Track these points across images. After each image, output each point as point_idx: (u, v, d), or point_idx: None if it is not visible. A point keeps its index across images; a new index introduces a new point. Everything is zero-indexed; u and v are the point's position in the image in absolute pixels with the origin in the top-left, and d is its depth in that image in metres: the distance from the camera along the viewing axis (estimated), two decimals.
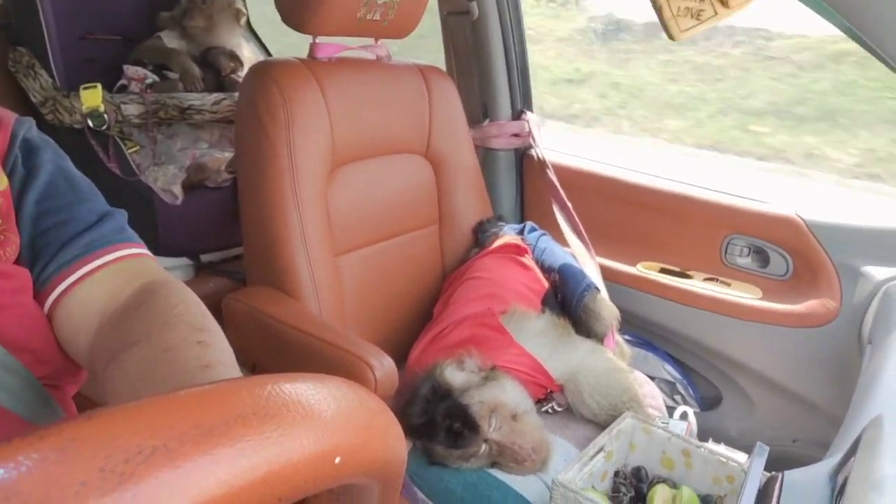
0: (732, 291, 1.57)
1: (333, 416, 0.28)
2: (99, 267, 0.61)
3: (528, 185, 1.92)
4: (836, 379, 1.46)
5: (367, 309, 1.38)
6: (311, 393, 0.28)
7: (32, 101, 1.56)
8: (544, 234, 1.58)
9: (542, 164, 1.79)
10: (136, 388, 0.49)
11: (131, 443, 0.22)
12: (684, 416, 1.29)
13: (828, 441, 1.07)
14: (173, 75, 1.66)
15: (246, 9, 1.86)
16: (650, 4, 0.92)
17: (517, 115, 1.88)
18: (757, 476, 0.82)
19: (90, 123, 1.48)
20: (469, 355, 1.15)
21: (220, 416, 0.24)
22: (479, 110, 1.88)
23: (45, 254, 0.60)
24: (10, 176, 0.61)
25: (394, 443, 0.33)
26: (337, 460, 0.27)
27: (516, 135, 1.87)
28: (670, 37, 0.93)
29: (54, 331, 0.61)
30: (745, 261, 1.59)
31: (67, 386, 0.66)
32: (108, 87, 1.54)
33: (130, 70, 1.62)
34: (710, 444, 1.13)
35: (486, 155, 1.87)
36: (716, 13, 0.91)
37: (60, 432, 0.22)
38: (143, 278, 0.62)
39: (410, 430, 1.07)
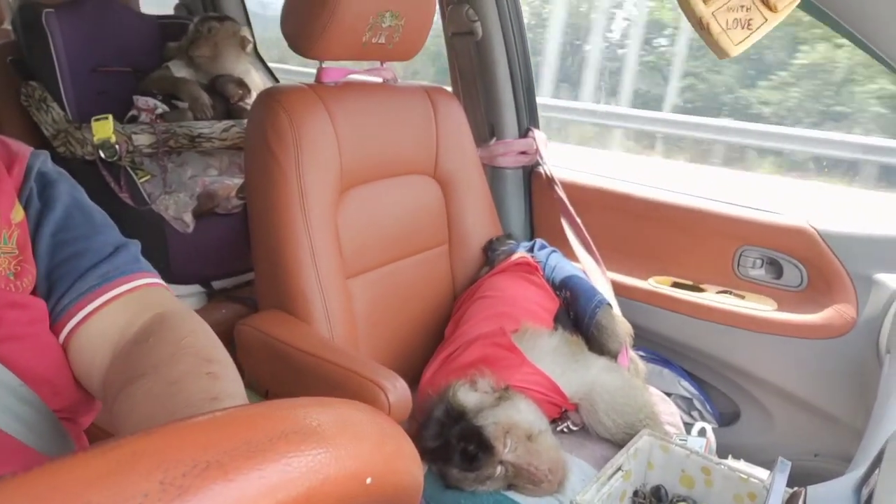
0: (747, 304, 1.55)
1: (363, 439, 0.30)
2: (113, 298, 0.62)
3: (537, 202, 1.92)
4: (855, 390, 1.43)
5: (379, 331, 1.38)
6: (341, 415, 0.30)
7: (45, 135, 1.59)
8: (554, 251, 1.57)
9: (550, 181, 1.79)
10: (142, 421, 0.49)
11: (187, 457, 0.24)
12: (702, 432, 1.27)
13: (850, 454, 1.05)
14: (182, 104, 1.69)
15: (252, 37, 1.88)
16: (692, 25, 0.87)
17: (524, 133, 1.89)
18: (780, 492, 0.80)
19: (102, 155, 1.50)
20: (482, 375, 1.14)
21: (266, 434, 0.26)
22: (485, 129, 1.89)
23: (60, 285, 0.61)
24: (25, 208, 0.62)
25: (411, 468, 0.34)
26: (368, 480, 0.29)
27: (524, 152, 1.87)
28: (722, 54, 0.87)
29: (69, 362, 0.61)
30: (759, 272, 1.58)
31: (82, 419, 0.66)
32: (118, 119, 1.56)
33: (140, 101, 1.65)
34: (730, 461, 1.11)
35: (494, 174, 1.87)
36: (765, 19, 0.86)
37: (122, 446, 0.24)
38: (155, 309, 0.62)
39: (425, 454, 1.06)
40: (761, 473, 1.05)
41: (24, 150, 0.66)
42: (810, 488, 0.79)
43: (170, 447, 0.24)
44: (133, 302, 0.62)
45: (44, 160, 0.67)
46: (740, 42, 0.87)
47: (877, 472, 0.71)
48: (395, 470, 0.32)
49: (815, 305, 1.49)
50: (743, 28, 0.86)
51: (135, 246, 0.67)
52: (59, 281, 0.61)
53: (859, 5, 1.00)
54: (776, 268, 1.56)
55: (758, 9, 0.86)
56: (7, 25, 2.46)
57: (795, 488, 0.82)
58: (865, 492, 0.72)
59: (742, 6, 0.85)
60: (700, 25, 0.86)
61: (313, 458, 0.26)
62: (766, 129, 4.78)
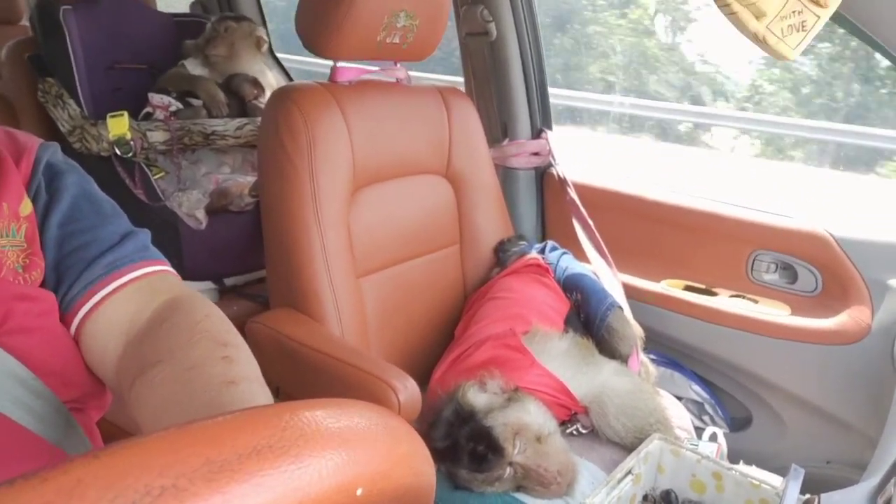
0: (760, 308, 1.54)
1: (355, 445, 0.27)
2: (122, 286, 0.61)
3: (549, 203, 1.91)
4: (870, 397, 1.42)
5: (390, 330, 1.38)
6: (331, 421, 0.27)
7: (61, 131, 1.60)
8: (566, 253, 1.56)
9: (562, 182, 1.79)
10: (160, 407, 0.49)
11: (139, 482, 0.21)
12: (714, 437, 1.26)
13: (863, 462, 1.04)
14: (197, 102, 1.69)
15: (268, 36, 1.89)
16: (748, 39, 0.88)
17: (537, 134, 1.88)
18: (793, 500, 0.80)
19: (117, 151, 1.51)
20: (491, 376, 1.14)
21: (234, 451, 0.23)
22: (498, 130, 1.89)
23: (69, 276, 0.61)
24: (34, 201, 0.62)
25: (421, 468, 0.32)
26: (359, 492, 0.26)
27: (536, 153, 1.87)
28: (783, 58, 0.89)
29: (82, 352, 0.61)
30: (773, 277, 1.57)
31: (92, 410, 0.66)
32: (133, 115, 1.57)
33: (155, 98, 1.66)
34: (742, 466, 1.10)
35: (506, 174, 1.87)
36: (818, 17, 0.87)
37: (65, 473, 0.21)
38: (166, 294, 0.62)
39: (434, 454, 1.05)
40: (774, 480, 1.04)
41: (32, 142, 0.65)
42: (824, 496, 0.79)
43: (120, 471, 0.21)
44: (143, 289, 0.62)
45: (52, 152, 0.66)
46: (798, 45, 0.88)
47: (893, 480, 0.70)
48: (404, 472, 0.30)
49: (830, 311, 1.48)
50: (798, 31, 0.87)
51: (144, 234, 0.67)
52: (68, 272, 0.61)
53: (874, 8, 0.99)
54: (790, 272, 1.55)
55: (809, 9, 0.86)
56: (25, 22, 2.49)
57: (808, 495, 0.81)
58: (881, 500, 0.72)
59: (794, 11, 0.86)
60: (757, 39, 0.87)
61: (290, 475, 0.24)
62: None
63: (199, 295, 0.64)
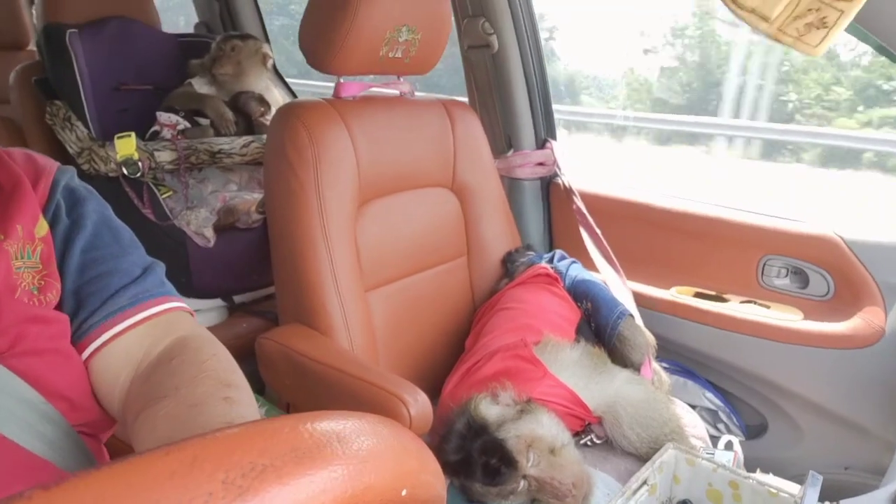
0: (773, 314, 1.52)
1: (399, 453, 0.31)
2: (142, 320, 0.63)
3: (556, 213, 1.91)
4: (886, 401, 1.40)
5: (399, 344, 1.37)
6: (374, 431, 0.31)
7: (69, 153, 1.61)
8: (574, 262, 1.56)
9: (568, 191, 1.78)
10: (162, 441, 0.49)
11: (245, 460, 0.26)
12: (729, 445, 1.25)
13: (882, 467, 1.02)
14: (204, 121, 1.71)
15: (272, 52, 1.91)
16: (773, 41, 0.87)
17: (541, 145, 1.89)
18: None
19: (125, 171, 1.52)
20: (503, 388, 1.13)
21: (313, 442, 0.28)
22: (503, 141, 1.89)
23: (89, 304, 0.62)
24: (52, 224, 0.63)
25: (434, 482, 0.33)
26: (404, 493, 0.30)
27: (541, 163, 1.87)
28: (809, 55, 0.87)
29: (91, 379, 0.62)
30: (784, 282, 1.55)
31: (101, 434, 0.66)
32: (140, 136, 1.59)
33: (163, 117, 1.67)
34: (759, 475, 1.09)
35: (511, 185, 1.87)
36: (841, 12, 0.84)
37: (184, 449, 0.25)
38: (179, 332, 0.64)
39: (447, 468, 1.05)
40: (791, 487, 1.03)
41: (50, 165, 0.67)
42: (843, 502, 0.77)
43: (228, 450, 0.26)
44: (159, 325, 0.64)
45: (71, 175, 0.68)
46: (820, 42, 0.86)
47: None
48: (418, 484, 0.32)
49: (843, 315, 1.46)
50: (818, 28, 0.85)
51: (160, 268, 0.69)
52: (89, 299, 0.62)
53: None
54: (801, 277, 1.53)
55: (830, 5, 0.84)
56: (32, 46, 2.52)
57: (827, 503, 0.80)
58: None
59: (810, 9, 0.83)
60: (772, 38, 0.86)
61: (355, 467, 0.28)
62: None
63: (209, 335, 0.66)
